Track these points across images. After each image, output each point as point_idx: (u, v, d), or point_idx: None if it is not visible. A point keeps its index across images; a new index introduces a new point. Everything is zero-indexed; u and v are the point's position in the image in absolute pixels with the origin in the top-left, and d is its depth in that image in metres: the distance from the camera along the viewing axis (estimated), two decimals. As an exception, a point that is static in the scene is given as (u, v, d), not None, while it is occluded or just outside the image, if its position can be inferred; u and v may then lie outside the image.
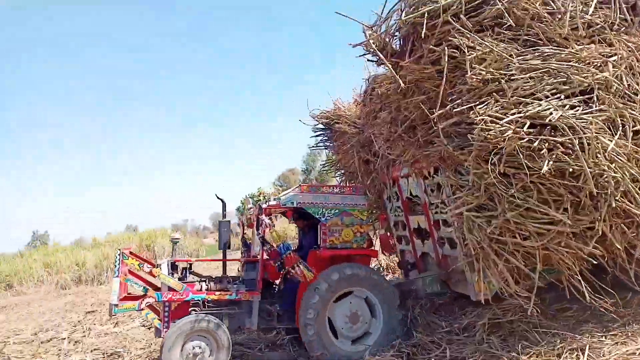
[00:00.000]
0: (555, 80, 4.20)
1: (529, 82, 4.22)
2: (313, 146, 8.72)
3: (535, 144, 3.93)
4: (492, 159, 4.24)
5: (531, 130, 4.05)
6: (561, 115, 3.94)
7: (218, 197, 6.03)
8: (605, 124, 4.22)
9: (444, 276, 6.05)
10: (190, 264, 6.14)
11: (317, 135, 8.60)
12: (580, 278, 4.64)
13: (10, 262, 23.88)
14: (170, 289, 5.45)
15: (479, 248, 4.75)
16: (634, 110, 4.37)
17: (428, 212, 6.12)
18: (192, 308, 5.50)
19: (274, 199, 5.88)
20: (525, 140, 3.98)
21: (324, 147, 8.68)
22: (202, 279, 5.87)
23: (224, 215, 6.07)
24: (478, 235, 4.67)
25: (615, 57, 4.44)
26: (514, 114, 4.02)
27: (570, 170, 4.06)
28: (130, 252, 5.69)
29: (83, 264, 20.93)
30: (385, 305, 5.57)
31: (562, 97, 4.19)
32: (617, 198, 4.28)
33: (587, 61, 4.37)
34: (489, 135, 4.02)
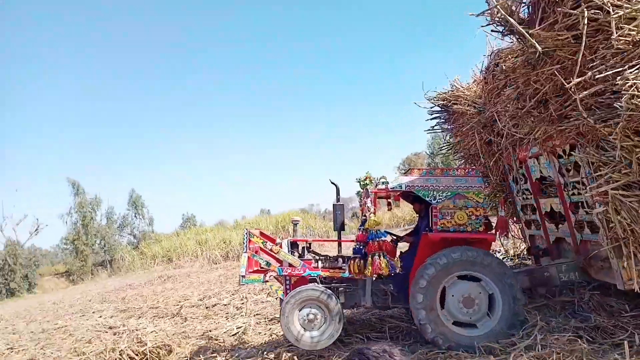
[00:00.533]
0: None
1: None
2: (429, 130, 8.46)
3: None
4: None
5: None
6: None
7: (332, 182, 6.23)
8: None
9: (583, 263, 5.52)
10: (309, 244, 6.46)
11: (433, 118, 8.35)
12: None
13: (169, 240, 28.13)
14: (289, 265, 5.83)
15: (629, 231, 4.25)
16: None
17: (563, 194, 5.63)
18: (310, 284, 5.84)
19: (383, 183, 5.85)
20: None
21: (440, 130, 8.39)
22: (319, 257, 6.13)
23: (338, 199, 6.22)
24: (628, 216, 4.18)
25: None
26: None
27: None
28: (261, 232, 6.25)
29: (229, 242, 23.94)
30: (504, 291, 5.21)
31: None
32: None
33: None
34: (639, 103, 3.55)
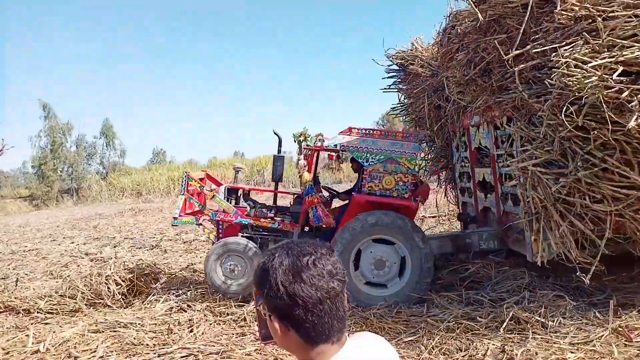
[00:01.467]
0: (664, 21, 3.54)
1: (631, 21, 3.60)
2: (385, 89, 8.33)
3: (625, 94, 3.40)
4: (569, 109, 3.77)
5: (623, 78, 3.50)
6: (664, 63, 3.34)
7: (275, 133, 6.12)
8: None
9: (502, 233, 5.73)
10: (248, 191, 6.41)
11: (390, 77, 8.20)
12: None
13: (140, 174, 27.79)
14: (223, 210, 5.83)
15: (542, 207, 4.38)
16: None
17: (495, 165, 5.73)
18: (242, 230, 5.92)
19: (319, 140, 5.78)
20: (613, 89, 3.46)
21: (395, 90, 8.27)
22: (254, 205, 6.12)
23: (279, 151, 6.16)
24: (542, 192, 4.30)
25: None
26: (604, 58, 3.47)
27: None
28: (207, 175, 6.35)
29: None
30: (414, 255, 5.35)
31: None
32: None
33: None
34: (570, 82, 3.55)
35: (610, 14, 3.64)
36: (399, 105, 8.58)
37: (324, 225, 5.69)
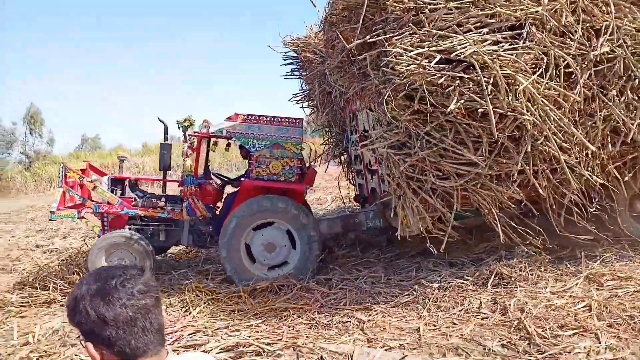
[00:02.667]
0: (481, 13, 3.89)
1: (452, 13, 3.92)
2: (285, 75, 8.45)
3: (442, 80, 3.72)
4: (407, 94, 4.07)
5: (445, 66, 3.83)
6: (474, 51, 3.68)
7: (160, 120, 6.06)
8: (534, 63, 3.95)
9: (381, 211, 6.08)
10: (135, 181, 6.37)
11: (288, 64, 8.33)
12: (498, 220, 4.59)
13: (68, 162, 26.15)
14: (108, 202, 5.75)
15: (396, 185, 4.72)
16: (570, 50, 4.05)
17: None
18: (130, 221, 5.85)
19: (205, 127, 5.83)
20: (434, 76, 3.78)
21: (293, 77, 8.42)
22: (143, 196, 6.10)
23: (166, 138, 6.10)
24: (397, 172, 4.62)
25: (556, -11, 4.05)
26: (424, 47, 3.77)
27: (481, 110, 3.86)
28: (90, 165, 6.10)
29: (142, 167, 22.98)
30: (304, 237, 5.63)
31: (486, 31, 3.89)
32: (539, 142, 4.12)
33: (523, -8, 4.00)
34: (399, 69, 3.83)
35: (434, 6, 3.94)
36: (300, 91, 8.75)
37: (200, 218, 5.78)
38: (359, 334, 3.86)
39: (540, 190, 4.49)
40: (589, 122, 4.36)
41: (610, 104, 4.16)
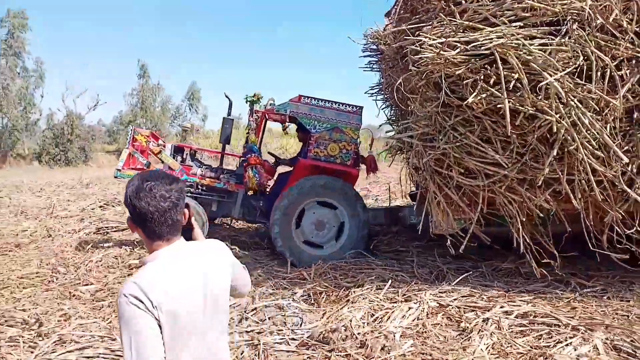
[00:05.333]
0: (517, 6, 3.76)
1: (486, 5, 3.84)
2: (364, 67, 8.62)
3: (459, 71, 3.69)
4: (439, 85, 4.08)
5: (470, 57, 3.77)
6: (501, 44, 3.59)
7: (226, 96, 6.60)
8: (570, 62, 3.72)
9: (419, 207, 6.04)
10: (195, 151, 6.94)
11: (366, 56, 8.48)
12: (522, 230, 4.37)
13: (216, 137, 28.86)
14: (169, 167, 6.16)
15: (423, 179, 4.71)
16: (614, 50, 3.73)
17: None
18: (187, 189, 6.29)
19: (270, 104, 6.25)
20: (456, 68, 3.75)
21: (370, 69, 8.55)
22: (201, 166, 6.59)
23: (229, 113, 6.57)
24: (421, 164, 4.62)
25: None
26: (450, 38, 3.76)
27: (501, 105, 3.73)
28: (152, 133, 6.50)
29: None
30: (354, 220, 5.81)
31: (520, 25, 3.76)
32: (572, 148, 3.86)
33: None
34: (425, 60, 3.87)
35: (470, -2, 3.89)
36: (376, 85, 8.87)
37: (259, 187, 6.19)
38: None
39: (575, 202, 4.18)
40: (638, 133, 3.97)
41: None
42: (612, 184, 4.07)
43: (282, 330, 3.79)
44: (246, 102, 6.47)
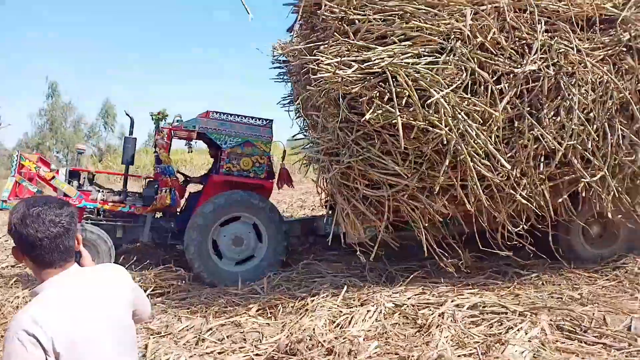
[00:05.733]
0: (406, 26, 3.96)
1: (378, 24, 4.00)
2: (275, 78, 8.61)
3: (355, 89, 3.81)
4: (338, 102, 4.17)
5: (366, 76, 3.91)
6: (389, 63, 3.76)
7: (127, 114, 6.26)
8: (456, 79, 3.98)
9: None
10: (93, 174, 6.51)
11: (276, 67, 8.49)
12: (426, 233, 4.61)
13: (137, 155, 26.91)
14: (64, 194, 5.63)
15: (330, 193, 4.82)
16: (494, 66, 4.06)
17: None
18: (87, 216, 5.82)
19: (177, 121, 6.04)
20: (352, 86, 3.87)
21: (281, 80, 8.58)
22: (101, 190, 6.13)
23: (131, 132, 6.26)
24: (327, 177, 4.72)
25: (485, 7, 4.06)
26: (345, 56, 3.87)
27: (400, 122, 3.92)
28: (40, 158, 5.95)
29: None
30: (271, 233, 5.79)
31: (409, 44, 3.96)
32: (462, 158, 4.13)
33: (452, 8, 4.04)
34: (324, 78, 3.94)
35: (363, 17, 4.03)
36: (288, 95, 8.91)
37: (171, 209, 5.97)
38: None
39: (468, 206, 4.49)
40: (520, 141, 4.34)
41: (534, 122, 4.12)
42: (500, 187, 4.43)
43: (244, 347, 3.72)
44: (152, 119, 6.21)
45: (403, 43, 3.96)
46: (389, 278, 5.24)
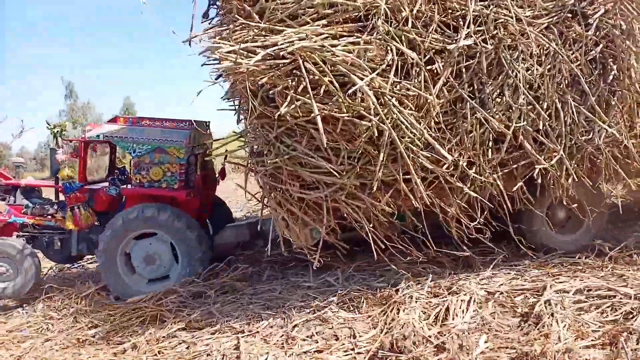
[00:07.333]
0: (318, 2, 3.41)
1: (285, 3, 3.45)
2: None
3: (263, 79, 3.27)
4: (249, 95, 3.61)
5: (276, 63, 3.36)
6: (302, 47, 3.21)
7: (48, 124, 5.84)
8: (382, 60, 3.46)
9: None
10: (27, 187, 6.01)
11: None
12: (372, 233, 4.10)
13: None
14: None
15: (262, 196, 4.29)
16: (426, 44, 3.54)
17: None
18: (24, 229, 5.57)
19: (82, 132, 5.50)
20: (262, 76, 3.32)
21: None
22: (38, 202, 5.78)
23: (57, 143, 5.82)
24: (261, 181, 4.19)
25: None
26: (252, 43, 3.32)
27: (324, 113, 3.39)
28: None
29: None
30: (184, 250, 5.16)
31: (324, 23, 3.42)
32: (402, 149, 3.62)
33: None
34: (226, 69, 3.39)
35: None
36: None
37: (84, 228, 5.44)
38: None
39: (414, 202, 3.99)
40: (464, 126, 3.84)
41: (475, 105, 3.63)
42: (447, 179, 3.94)
43: (342, 344, 3.41)
44: (51, 133, 5.71)
45: (316, 23, 3.42)
46: (465, 264, 4.71)
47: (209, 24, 4.88)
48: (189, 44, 3.88)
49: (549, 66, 3.78)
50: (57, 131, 4.96)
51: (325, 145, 3.38)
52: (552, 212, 5.02)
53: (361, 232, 4.21)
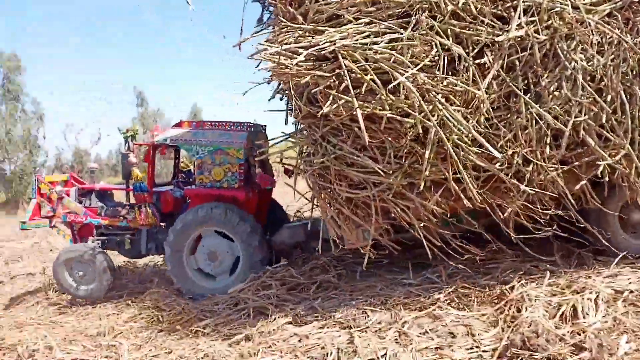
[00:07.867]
0: (358, 1, 3.41)
1: (328, 3, 3.49)
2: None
3: (306, 79, 3.31)
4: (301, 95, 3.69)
5: (319, 63, 3.40)
6: (343, 45, 3.23)
7: (120, 130, 6.19)
8: (426, 56, 3.39)
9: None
10: (101, 190, 6.48)
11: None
12: (426, 234, 4.01)
13: None
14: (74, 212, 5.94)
15: (313, 195, 4.33)
16: (475, 37, 3.42)
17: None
18: (99, 231, 6.00)
19: (150, 136, 5.85)
20: (305, 76, 3.37)
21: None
22: (107, 205, 6.19)
23: (127, 147, 6.16)
24: (309, 180, 4.23)
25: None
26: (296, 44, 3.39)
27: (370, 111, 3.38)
28: (72, 176, 6.43)
29: None
30: (244, 245, 5.32)
31: (367, 21, 3.41)
32: (449, 147, 3.51)
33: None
34: (270, 70, 3.49)
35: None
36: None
37: (149, 226, 5.79)
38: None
39: (465, 202, 3.85)
40: (519, 122, 3.65)
41: (527, 99, 3.44)
42: (502, 177, 3.76)
43: (467, 342, 3.31)
44: (123, 137, 6.10)
45: (359, 21, 3.42)
46: (579, 261, 4.50)
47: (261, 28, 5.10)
48: (239, 48, 4.07)
49: (612, 56, 3.49)
50: (130, 135, 5.28)
51: (368, 143, 3.34)
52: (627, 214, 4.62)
53: (417, 233, 4.09)
